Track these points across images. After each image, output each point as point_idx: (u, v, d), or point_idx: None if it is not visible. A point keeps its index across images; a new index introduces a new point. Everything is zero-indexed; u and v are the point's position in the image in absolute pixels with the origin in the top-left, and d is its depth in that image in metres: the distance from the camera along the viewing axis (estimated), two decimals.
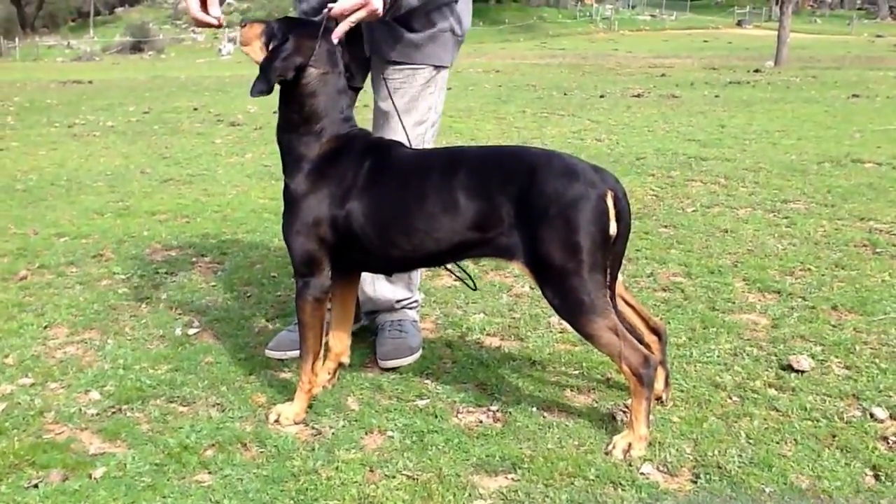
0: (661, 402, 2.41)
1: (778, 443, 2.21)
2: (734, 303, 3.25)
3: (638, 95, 11.86)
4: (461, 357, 2.82)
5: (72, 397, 2.56)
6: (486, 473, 2.11)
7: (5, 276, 3.79)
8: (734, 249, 3.96)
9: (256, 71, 2.31)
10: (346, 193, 2.27)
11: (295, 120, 2.33)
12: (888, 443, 2.21)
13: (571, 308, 2.13)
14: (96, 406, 2.50)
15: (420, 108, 2.77)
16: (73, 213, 5.05)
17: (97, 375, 2.71)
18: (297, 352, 2.71)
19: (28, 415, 2.44)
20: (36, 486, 2.07)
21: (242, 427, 2.36)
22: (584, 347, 2.75)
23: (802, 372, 2.61)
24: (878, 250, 3.89)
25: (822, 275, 3.55)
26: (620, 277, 2.30)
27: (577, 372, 2.70)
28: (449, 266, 2.60)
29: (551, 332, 3.01)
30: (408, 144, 2.53)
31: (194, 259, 4.07)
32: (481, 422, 2.38)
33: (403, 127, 2.67)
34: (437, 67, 2.78)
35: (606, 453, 2.17)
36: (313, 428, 2.36)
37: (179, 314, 3.29)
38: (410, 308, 3.00)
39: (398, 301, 2.94)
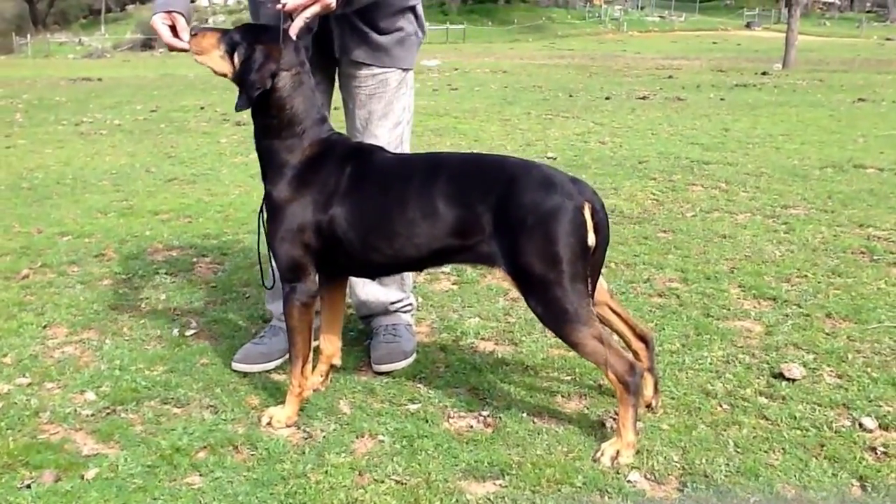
0: (651, 409, 2.43)
1: (766, 452, 2.22)
2: (729, 309, 3.26)
3: (643, 98, 11.85)
4: (455, 361, 2.84)
5: (67, 398, 2.59)
6: (475, 479, 2.13)
7: (7, 274, 3.83)
8: (732, 255, 3.96)
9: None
10: (329, 199, 2.29)
11: (274, 125, 2.33)
12: (876, 453, 2.21)
13: (555, 317, 2.15)
14: (91, 407, 2.52)
15: (396, 111, 2.81)
16: (78, 212, 5.09)
17: (93, 376, 2.74)
18: (264, 366, 2.77)
19: (24, 415, 2.47)
20: (29, 486, 2.10)
21: (235, 429, 2.39)
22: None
23: (794, 380, 2.61)
24: (875, 257, 3.89)
25: (818, 282, 3.56)
26: (607, 285, 2.32)
27: (569, 377, 2.71)
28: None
29: (546, 336, 3.02)
30: (389, 149, 2.56)
31: (195, 259, 4.10)
32: (472, 427, 2.40)
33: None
34: (405, 70, 2.82)
35: (594, 460, 2.18)
36: (304, 431, 2.38)
37: (178, 315, 3.32)
38: (405, 312, 3.01)
39: (392, 303, 2.96)
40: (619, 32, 46.10)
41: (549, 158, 6.78)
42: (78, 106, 11.78)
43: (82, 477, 2.14)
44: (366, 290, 2.91)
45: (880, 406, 2.46)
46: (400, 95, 2.81)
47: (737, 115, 9.58)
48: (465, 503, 2.02)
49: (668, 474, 2.13)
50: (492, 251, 2.18)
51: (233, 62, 2.29)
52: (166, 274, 3.85)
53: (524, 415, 2.44)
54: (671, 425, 2.36)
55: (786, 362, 2.72)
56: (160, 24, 2.43)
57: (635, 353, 2.40)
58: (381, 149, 2.45)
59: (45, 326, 3.19)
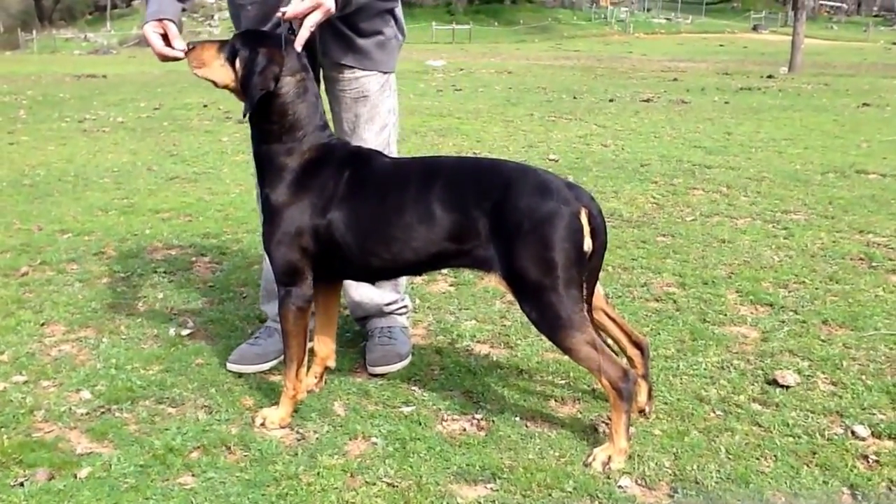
0: (645, 415, 2.43)
1: (757, 459, 2.22)
2: (725, 315, 3.26)
3: (647, 100, 11.84)
4: (450, 364, 2.84)
5: (63, 396, 2.60)
6: (466, 482, 2.13)
7: (7, 272, 3.84)
8: (730, 260, 3.96)
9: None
10: (327, 203, 2.29)
11: (275, 130, 2.33)
12: (868, 461, 2.21)
13: (549, 323, 2.15)
14: (86, 405, 2.53)
15: (381, 113, 2.81)
16: (78, 210, 5.10)
17: (89, 374, 2.75)
18: (259, 366, 2.77)
19: (19, 413, 2.48)
20: (22, 484, 2.11)
21: (228, 430, 2.39)
22: None
23: (788, 387, 2.61)
24: (873, 264, 3.88)
25: (816, 288, 3.56)
26: (602, 291, 2.33)
27: (563, 382, 2.72)
28: None
29: (541, 340, 3.02)
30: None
31: (194, 259, 4.11)
32: (465, 430, 2.40)
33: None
34: (386, 73, 2.82)
35: (586, 465, 2.18)
36: (298, 432, 2.39)
37: (175, 314, 3.33)
38: (400, 314, 3.02)
39: (386, 304, 2.96)
40: (625, 34, 46.05)
41: (550, 161, 6.79)
42: (82, 103, 11.81)
43: (75, 476, 2.15)
44: (359, 291, 2.92)
45: (874, 414, 2.46)
46: (384, 98, 2.81)
47: (740, 119, 9.57)
48: None
49: (659, 480, 2.13)
50: (488, 256, 2.18)
51: (234, 70, 2.28)
52: (165, 273, 3.86)
53: (517, 419, 2.45)
54: (663, 431, 2.36)
55: (780, 369, 2.72)
56: (152, 33, 2.43)
57: (630, 360, 2.40)
58: (379, 153, 2.46)
59: (42, 324, 3.21)
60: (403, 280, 3.05)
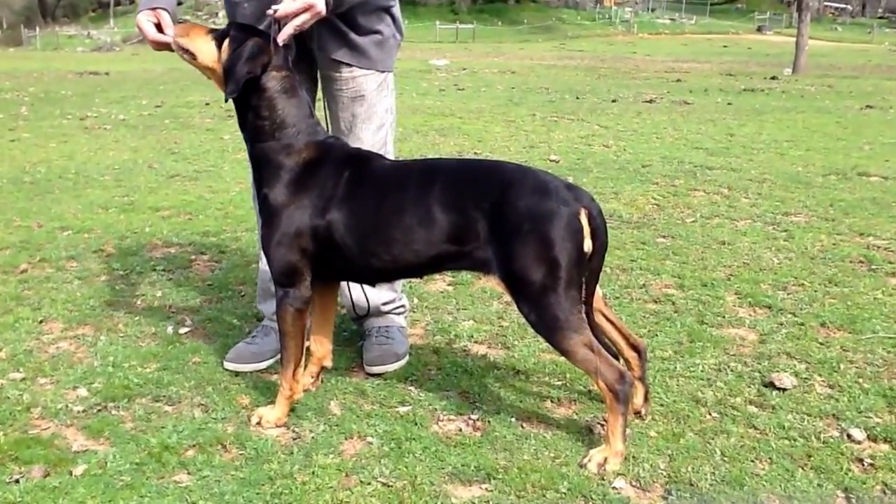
0: (641, 416, 2.43)
1: (752, 461, 2.22)
2: (723, 317, 3.26)
3: (650, 101, 11.83)
4: (447, 364, 2.84)
5: (60, 393, 2.61)
6: (461, 482, 2.13)
7: (6, 269, 3.85)
8: (729, 262, 3.96)
9: None
10: (327, 204, 2.28)
11: (267, 128, 2.32)
12: (863, 464, 2.21)
13: (547, 324, 2.15)
14: (83, 403, 2.54)
15: (378, 113, 2.81)
16: (78, 207, 5.11)
17: (86, 372, 2.75)
18: (256, 365, 2.78)
19: (15, 410, 2.48)
20: (17, 481, 2.11)
21: (224, 428, 2.40)
22: None
23: (784, 390, 2.61)
24: (873, 267, 3.88)
25: (815, 290, 3.55)
26: (600, 292, 2.32)
27: (559, 383, 2.71)
28: None
29: (538, 341, 3.01)
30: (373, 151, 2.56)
31: (193, 257, 4.11)
32: (460, 430, 2.40)
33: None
34: (384, 72, 2.81)
35: (581, 466, 2.18)
36: (294, 431, 2.39)
37: (173, 312, 3.33)
38: (398, 314, 3.02)
39: (384, 304, 2.97)
40: (629, 34, 46.02)
41: (551, 161, 6.79)
42: (84, 100, 11.82)
43: (71, 473, 2.15)
44: (356, 290, 2.92)
45: (870, 417, 2.45)
46: (381, 98, 2.81)
47: (743, 120, 9.56)
48: None
49: (654, 482, 2.13)
50: (487, 257, 2.18)
51: (220, 52, 2.27)
52: (163, 271, 3.86)
53: (513, 419, 2.45)
54: (659, 432, 2.36)
55: (777, 371, 2.72)
56: (145, 21, 2.42)
57: (627, 362, 2.40)
58: (378, 155, 2.46)
59: (41, 321, 3.21)
60: (401, 280, 3.04)
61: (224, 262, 4.02)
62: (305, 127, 2.34)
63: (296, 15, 2.30)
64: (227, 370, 2.77)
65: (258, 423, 2.41)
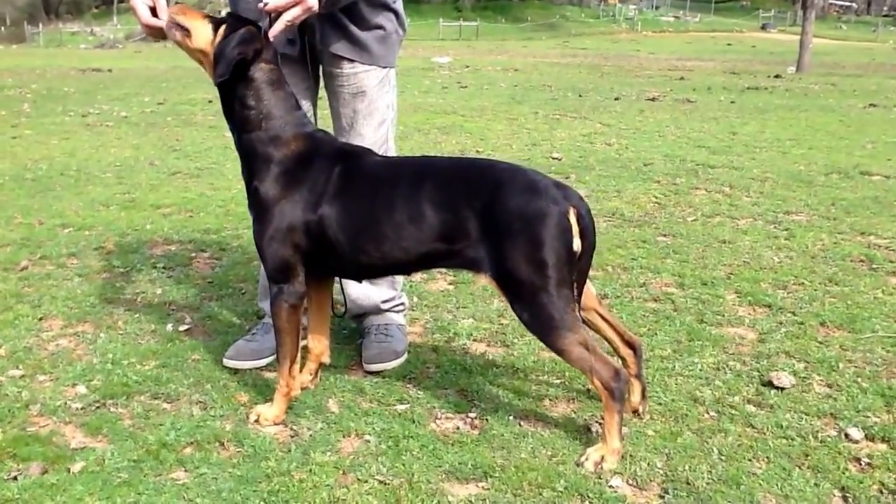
0: (638, 415, 2.43)
1: (750, 460, 2.22)
2: (723, 316, 3.25)
3: (653, 99, 11.82)
4: (445, 362, 2.84)
5: (58, 390, 2.61)
6: (458, 481, 2.13)
7: (6, 265, 3.85)
8: (730, 261, 3.95)
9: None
10: (318, 199, 2.28)
11: (253, 117, 2.32)
12: (860, 464, 2.21)
13: (541, 324, 2.15)
14: (82, 400, 2.54)
15: (380, 109, 2.81)
16: (80, 204, 5.12)
17: (85, 369, 2.76)
18: (255, 363, 2.78)
19: (14, 407, 2.49)
20: (15, 478, 2.12)
21: (222, 426, 2.40)
22: None
23: (783, 389, 2.61)
24: (873, 266, 3.87)
25: (815, 290, 3.55)
26: (594, 290, 2.32)
27: (558, 381, 2.71)
28: None
29: (537, 340, 3.01)
30: (374, 147, 2.58)
31: (193, 254, 4.12)
32: (458, 428, 2.41)
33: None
34: (386, 67, 2.81)
35: (578, 465, 2.18)
36: (291, 429, 2.39)
37: (173, 310, 3.34)
38: (397, 312, 3.02)
39: (383, 301, 2.97)
40: (633, 32, 45.95)
41: (553, 159, 6.78)
42: (86, 97, 11.83)
43: (68, 470, 2.15)
44: (357, 288, 2.92)
45: (868, 417, 2.45)
46: (383, 94, 2.81)
47: (746, 119, 9.55)
48: None
49: (651, 480, 2.13)
50: (478, 257, 2.18)
51: (214, 35, 2.26)
52: (164, 268, 3.87)
53: (511, 417, 2.45)
54: (656, 431, 2.36)
55: (776, 370, 2.71)
56: (140, 4, 2.36)
57: (623, 360, 2.40)
58: (370, 151, 2.45)
59: (40, 319, 3.22)
60: (400, 278, 3.05)
61: (224, 260, 4.03)
62: (292, 119, 2.34)
63: (286, 9, 2.30)
64: (226, 368, 2.77)
65: (256, 421, 2.41)
